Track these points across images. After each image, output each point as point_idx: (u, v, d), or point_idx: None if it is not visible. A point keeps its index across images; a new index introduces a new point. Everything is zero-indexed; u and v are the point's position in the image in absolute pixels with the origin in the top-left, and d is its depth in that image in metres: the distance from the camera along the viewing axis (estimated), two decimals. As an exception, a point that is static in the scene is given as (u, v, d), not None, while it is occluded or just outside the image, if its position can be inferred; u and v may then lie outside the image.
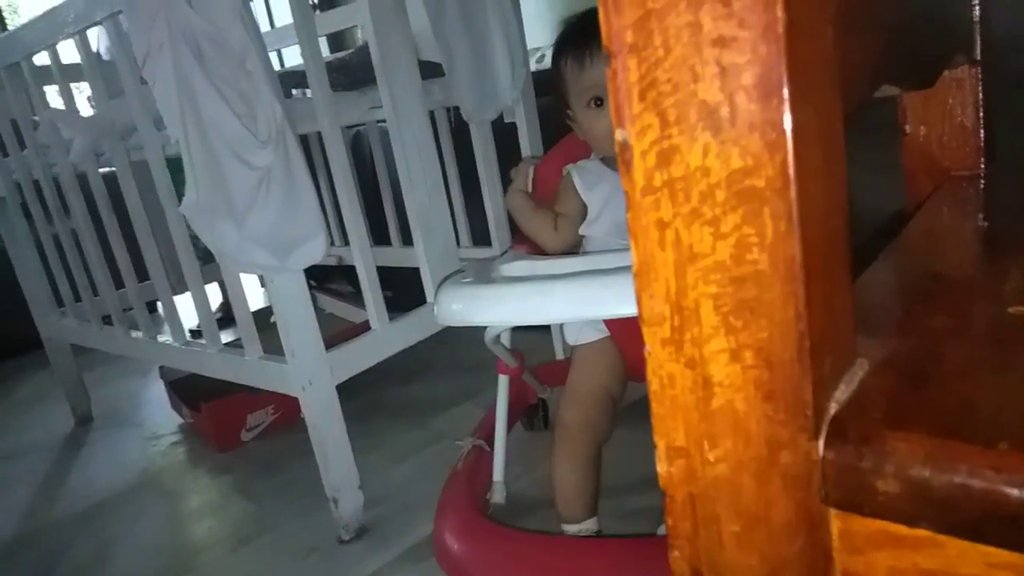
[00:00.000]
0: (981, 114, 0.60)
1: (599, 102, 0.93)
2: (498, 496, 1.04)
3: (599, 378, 0.95)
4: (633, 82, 0.26)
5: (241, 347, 1.15)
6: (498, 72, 1.28)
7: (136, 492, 1.43)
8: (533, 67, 1.42)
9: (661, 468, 0.29)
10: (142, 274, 1.39)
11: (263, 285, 2.39)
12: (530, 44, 1.40)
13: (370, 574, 1.02)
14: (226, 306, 2.14)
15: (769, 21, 0.23)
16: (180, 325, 1.33)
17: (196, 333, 1.31)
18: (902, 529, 0.25)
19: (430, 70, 1.25)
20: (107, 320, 1.56)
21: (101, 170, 1.37)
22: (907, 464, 0.24)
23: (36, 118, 1.49)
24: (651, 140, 0.26)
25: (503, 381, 1.08)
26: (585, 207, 0.98)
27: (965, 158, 0.62)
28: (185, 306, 1.31)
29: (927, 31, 0.43)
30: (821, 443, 0.25)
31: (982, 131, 0.61)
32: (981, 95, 0.60)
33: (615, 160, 0.94)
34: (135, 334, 1.46)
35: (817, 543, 0.27)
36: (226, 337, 1.27)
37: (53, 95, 1.59)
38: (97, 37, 1.39)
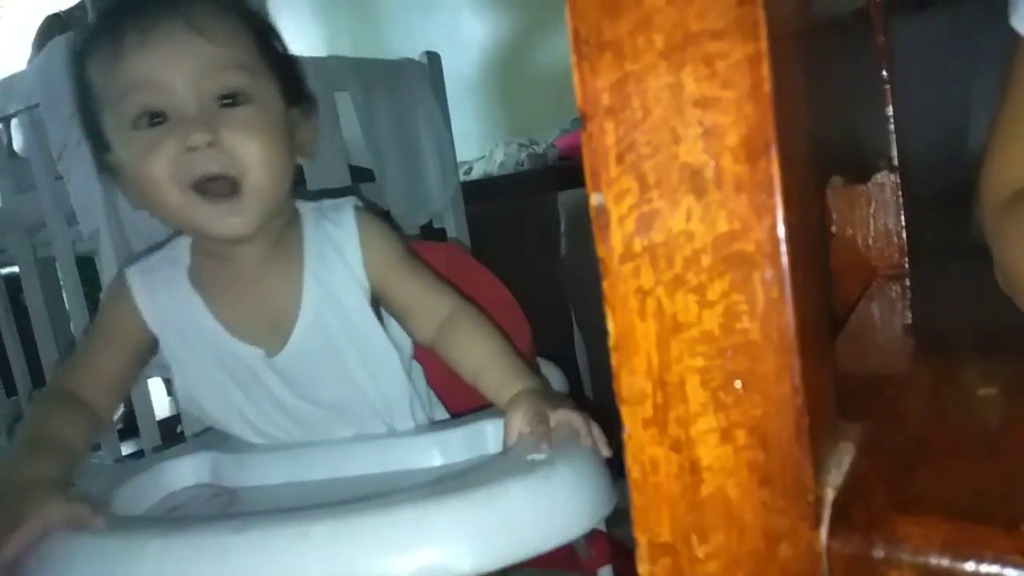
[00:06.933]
0: (902, 216, 0.63)
1: (157, 118, 0.53)
2: None
3: None
4: (610, 145, 0.24)
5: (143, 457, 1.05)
6: (429, 178, 1.29)
7: None
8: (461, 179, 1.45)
9: (643, 569, 0.26)
10: (38, 379, 1.28)
11: (169, 393, 2.25)
12: (459, 158, 1.43)
13: None
14: (128, 416, 1.99)
15: (756, 80, 0.22)
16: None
17: (95, 446, 1.20)
18: (918, 628, 0.22)
19: (360, 176, 1.24)
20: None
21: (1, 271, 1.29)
22: (923, 551, 0.21)
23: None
24: (630, 204, 0.24)
25: None
26: None
27: (890, 257, 0.64)
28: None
29: (857, 132, 0.45)
30: (824, 532, 0.23)
31: (904, 232, 0.64)
32: (901, 198, 0.63)
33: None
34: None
35: (824, 650, 0.24)
36: (127, 448, 1.17)
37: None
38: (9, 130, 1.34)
